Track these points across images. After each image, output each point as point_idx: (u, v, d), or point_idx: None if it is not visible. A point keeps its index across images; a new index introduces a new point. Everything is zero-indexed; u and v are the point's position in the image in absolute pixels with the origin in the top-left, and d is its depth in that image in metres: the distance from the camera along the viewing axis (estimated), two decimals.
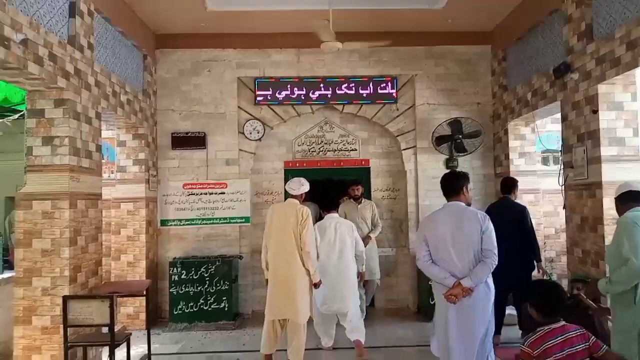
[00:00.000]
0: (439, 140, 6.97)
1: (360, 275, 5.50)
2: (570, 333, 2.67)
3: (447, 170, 7.15)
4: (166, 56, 7.11)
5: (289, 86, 7.17)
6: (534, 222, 5.60)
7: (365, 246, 5.90)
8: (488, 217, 3.58)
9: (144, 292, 5.13)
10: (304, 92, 7.18)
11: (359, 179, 6.76)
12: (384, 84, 7.24)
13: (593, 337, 2.69)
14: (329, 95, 7.20)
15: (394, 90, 7.25)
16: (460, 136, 6.83)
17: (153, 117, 6.93)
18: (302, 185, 4.86)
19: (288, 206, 4.82)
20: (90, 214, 4.95)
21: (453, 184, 3.70)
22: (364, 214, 6.45)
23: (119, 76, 5.78)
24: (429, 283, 6.53)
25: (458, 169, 7.07)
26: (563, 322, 2.72)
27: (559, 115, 6.99)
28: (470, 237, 3.49)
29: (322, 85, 7.19)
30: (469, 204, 3.70)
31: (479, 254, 3.49)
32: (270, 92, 7.16)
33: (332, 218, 5.43)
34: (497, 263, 3.49)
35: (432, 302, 6.53)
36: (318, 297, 5.08)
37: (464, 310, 3.51)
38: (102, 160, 7.18)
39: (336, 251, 5.22)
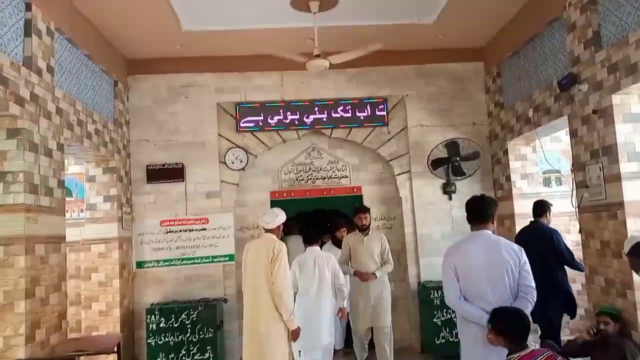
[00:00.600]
0: (435, 164, 6.52)
1: (340, 310, 5.19)
2: (539, 358, 2.61)
3: (446, 196, 6.77)
4: (139, 83, 6.59)
5: (273, 111, 6.69)
6: None
7: (365, 280, 5.36)
8: (523, 249, 3.24)
9: (115, 349, 4.46)
10: (289, 117, 6.70)
11: (364, 206, 5.86)
12: (374, 106, 6.82)
13: (560, 357, 2.65)
14: (316, 120, 6.74)
15: (384, 112, 6.82)
16: (458, 158, 6.40)
17: (126, 149, 6.36)
18: (276, 217, 4.36)
19: (261, 242, 4.32)
20: (52, 260, 4.31)
21: (483, 210, 3.33)
22: (372, 248, 5.46)
23: (85, 104, 5.23)
24: (434, 320, 6.04)
25: (456, 193, 6.67)
26: (531, 348, 2.66)
27: (558, 134, 6.70)
28: (507, 271, 3.12)
29: (308, 109, 6.73)
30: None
31: (515, 290, 3.13)
32: (253, 118, 6.67)
33: (312, 251, 5.25)
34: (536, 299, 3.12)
35: (437, 342, 6.02)
36: None
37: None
38: (71, 198, 6.60)
39: (314, 285, 5.05)
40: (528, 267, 3.17)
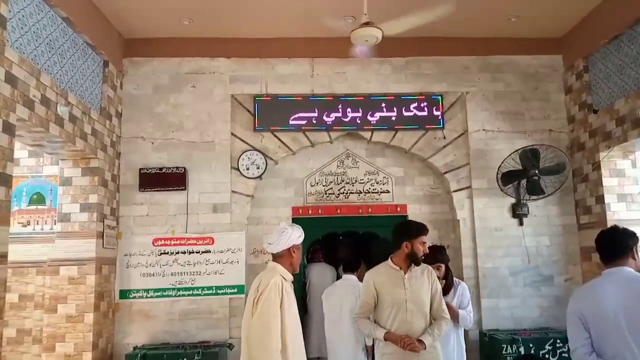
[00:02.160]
0: (507, 178, 5.10)
1: (366, 348, 4.25)
2: None
3: (515, 220, 5.32)
4: (137, 67, 5.34)
5: (299, 107, 5.37)
6: None
7: (414, 349, 3.07)
8: None
9: None
10: (318, 115, 5.37)
11: (423, 224, 3.46)
12: (426, 105, 5.46)
13: None
14: (353, 119, 5.40)
15: (438, 112, 5.46)
16: (537, 172, 4.96)
17: (115, 147, 5.06)
18: (282, 234, 2.87)
19: (259, 277, 2.89)
20: None
21: (618, 243, 2.58)
22: (420, 294, 3.22)
23: (57, 80, 3.96)
24: None
25: (528, 217, 5.27)
26: None
27: None
28: None
29: (343, 105, 5.40)
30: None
31: None
32: (274, 115, 5.35)
33: (345, 279, 4.47)
34: None
35: None
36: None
37: None
38: (44, 206, 5.32)
39: (334, 317, 4.31)
40: None
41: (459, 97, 5.51)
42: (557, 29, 5.48)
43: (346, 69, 5.44)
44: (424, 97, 5.47)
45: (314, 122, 5.36)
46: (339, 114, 5.38)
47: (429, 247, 3.46)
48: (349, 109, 5.39)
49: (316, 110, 5.37)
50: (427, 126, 5.43)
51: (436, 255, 3.69)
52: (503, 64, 5.57)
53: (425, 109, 5.45)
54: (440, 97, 5.48)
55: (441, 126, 5.44)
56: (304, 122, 5.35)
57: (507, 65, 5.57)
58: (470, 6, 4.83)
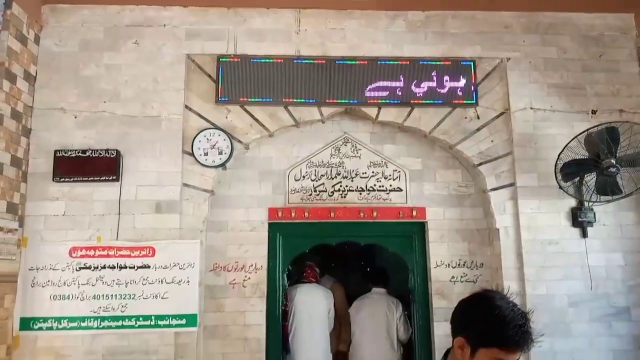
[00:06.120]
0: (569, 172, 3.63)
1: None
2: None
3: (577, 229, 3.81)
4: (61, 16, 3.96)
5: (280, 73, 3.96)
6: None
7: None
8: None
9: None
10: (307, 85, 3.95)
11: None
12: (452, 73, 4.02)
13: None
14: (353, 91, 3.97)
15: (469, 84, 4.02)
16: (614, 161, 3.48)
17: (21, 120, 3.66)
18: None
19: None
20: None
21: None
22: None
23: None
24: None
25: (594, 226, 3.82)
26: None
27: None
28: None
29: (339, 72, 3.98)
30: None
31: None
32: (245, 82, 3.93)
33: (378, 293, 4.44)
34: None
35: None
36: None
37: None
38: None
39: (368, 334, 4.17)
40: None
41: (498, 65, 4.07)
42: None
43: (344, 24, 4.04)
44: (450, 63, 4.04)
45: (300, 93, 3.94)
46: (335, 83, 3.95)
47: None
48: (347, 76, 3.97)
49: (303, 78, 3.95)
50: (454, 102, 3.99)
51: None
52: (557, 23, 4.15)
53: (452, 78, 4.01)
54: (472, 64, 4.04)
55: (474, 102, 4.00)
56: (284, 92, 3.93)
57: (562, 26, 4.14)
58: None
